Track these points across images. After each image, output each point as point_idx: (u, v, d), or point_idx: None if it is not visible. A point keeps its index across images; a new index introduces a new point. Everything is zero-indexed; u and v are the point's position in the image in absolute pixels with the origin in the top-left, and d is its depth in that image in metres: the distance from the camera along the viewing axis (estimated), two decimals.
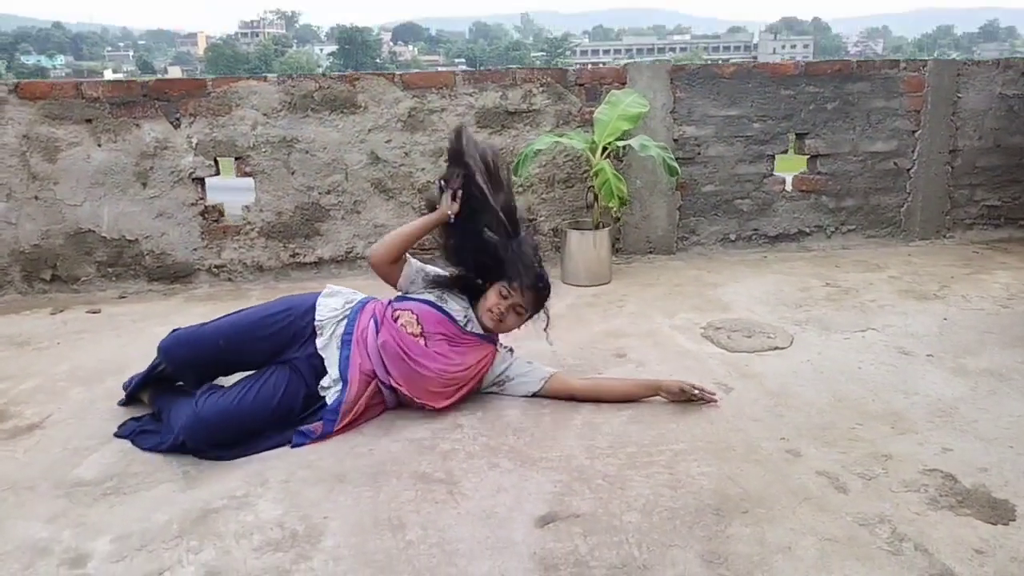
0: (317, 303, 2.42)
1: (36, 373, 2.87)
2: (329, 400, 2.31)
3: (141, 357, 2.96)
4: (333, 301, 2.43)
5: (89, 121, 3.72)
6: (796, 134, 4.26)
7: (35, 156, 3.72)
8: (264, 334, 2.34)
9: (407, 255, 2.51)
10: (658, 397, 2.48)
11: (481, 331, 2.48)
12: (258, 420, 2.23)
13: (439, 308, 2.42)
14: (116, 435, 2.34)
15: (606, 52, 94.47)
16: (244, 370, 2.38)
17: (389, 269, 2.49)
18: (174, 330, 2.42)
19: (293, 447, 2.24)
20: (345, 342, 2.34)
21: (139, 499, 2.01)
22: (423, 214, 2.51)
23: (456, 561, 1.74)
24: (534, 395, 2.52)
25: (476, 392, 2.52)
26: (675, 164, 3.51)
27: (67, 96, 3.70)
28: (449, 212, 2.37)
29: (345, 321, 2.38)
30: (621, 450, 2.18)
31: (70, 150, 3.74)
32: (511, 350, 2.59)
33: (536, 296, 2.45)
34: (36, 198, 3.76)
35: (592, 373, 2.71)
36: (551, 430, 2.32)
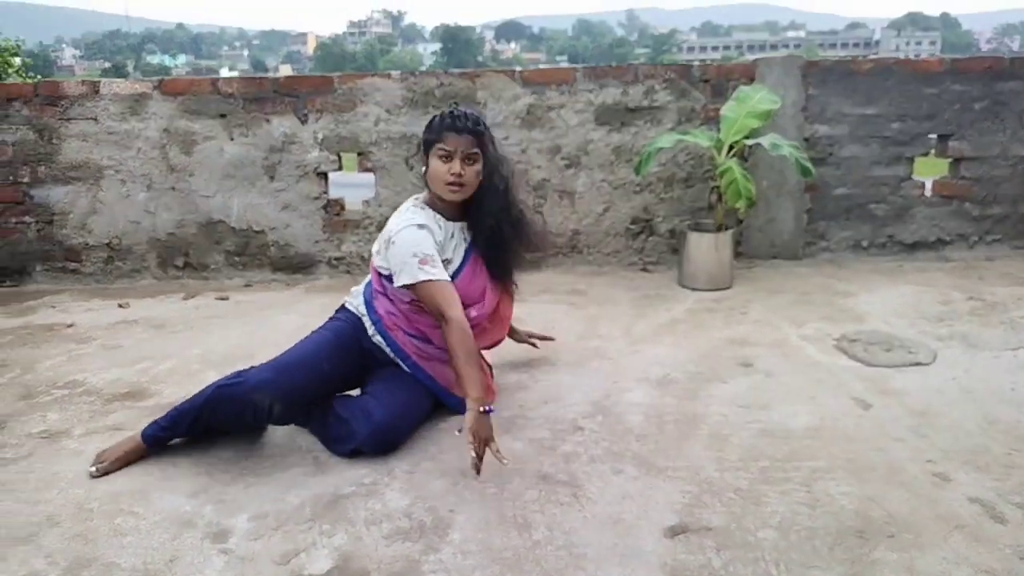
0: (346, 305, 2.43)
1: (172, 355, 3.03)
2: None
3: (267, 344, 3.08)
4: (352, 299, 2.44)
5: (223, 116, 3.91)
6: (939, 135, 3.98)
7: (173, 149, 3.93)
8: (354, 348, 2.34)
9: None
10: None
11: (458, 221, 2.30)
12: (424, 413, 2.33)
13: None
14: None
15: (714, 49, 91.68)
16: (342, 390, 2.36)
17: None
18: (260, 367, 2.21)
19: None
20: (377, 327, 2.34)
21: (273, 480, 2.08)
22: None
23: (584, 565, 1.70)
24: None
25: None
26: (809, 165, 3.34)
27: (204, 92, 3.90)
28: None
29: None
30: (753, 464, 2.09)
31: (205, 143, 3.93)
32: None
33: (467, 133, 2.20)
34: (173, 189, 3.98)
35: (716, 382, 2.61)
36: (676, 439, 2.24)
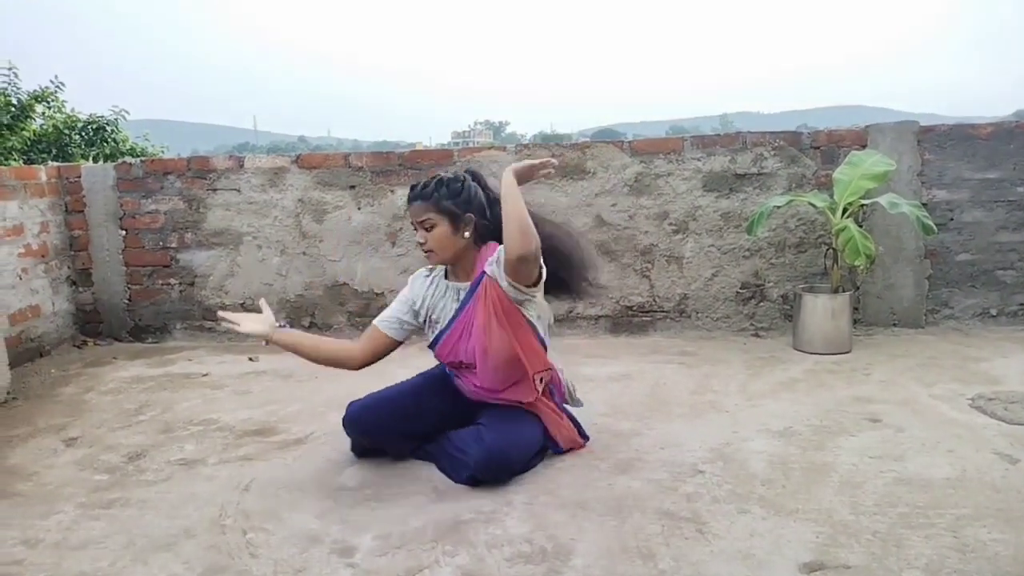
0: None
1: (299, 399, 3.19)
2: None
3: None
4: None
5: (352, 187, 4.20)
6: None
7: (306, 217, 4.24)
8: (445, 388, 2.47)
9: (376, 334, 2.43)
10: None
11: (461, 281, 2.32)
12: (535, 443, 2.35)
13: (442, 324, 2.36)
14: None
15: None
16: (429, 431, 2.40)
17: (377, 357, 2.44)
18: (351, 403, 2.47)
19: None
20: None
21: (395, 505, 2.13)
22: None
23: None
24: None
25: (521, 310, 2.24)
26: (931, 223, 3.25)
27: (336, 166, 4.22)
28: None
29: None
30: (890, 509, 1.97)
31: (335, 212, 4.22)
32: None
33: (415, 200, 2.25)
34: (304, 254, 4.27)
35: (843, 435, 2.50)
36: (804, 484, 2.16)
